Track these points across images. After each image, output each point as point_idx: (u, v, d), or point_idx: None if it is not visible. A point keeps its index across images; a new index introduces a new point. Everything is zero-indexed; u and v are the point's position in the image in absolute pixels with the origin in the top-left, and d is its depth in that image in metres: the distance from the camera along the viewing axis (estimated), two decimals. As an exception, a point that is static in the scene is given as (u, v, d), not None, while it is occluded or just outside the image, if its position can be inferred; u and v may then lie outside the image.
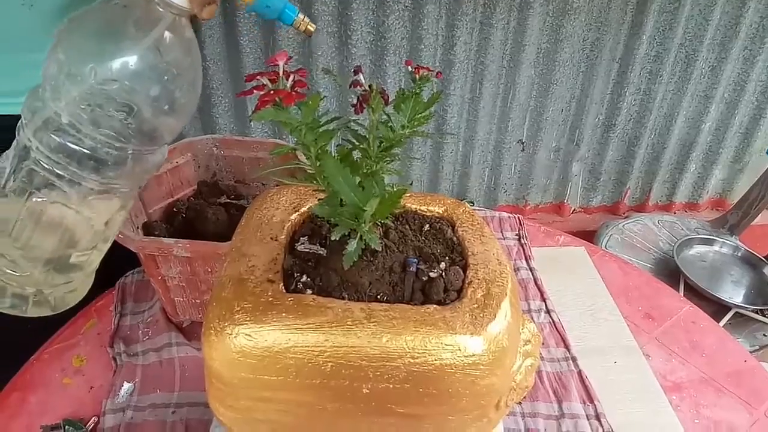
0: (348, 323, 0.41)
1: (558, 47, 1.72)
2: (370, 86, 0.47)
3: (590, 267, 1.02)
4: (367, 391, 0.42)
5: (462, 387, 0.42)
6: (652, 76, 1.84)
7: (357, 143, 0.47)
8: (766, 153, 2.05)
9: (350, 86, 0.47)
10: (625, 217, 1.99)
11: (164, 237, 0.77)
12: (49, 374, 0.77)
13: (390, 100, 0.48)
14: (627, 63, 1.79)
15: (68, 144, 0.44)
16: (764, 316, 1.52)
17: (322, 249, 0.49)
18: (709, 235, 1.76)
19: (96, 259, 0.53)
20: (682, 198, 2.19)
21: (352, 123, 0.48)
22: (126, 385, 0.74)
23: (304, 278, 0.46)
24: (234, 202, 0.90)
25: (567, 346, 0.83)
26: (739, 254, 1.68)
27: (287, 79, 0.41)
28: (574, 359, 0.81)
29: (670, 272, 1.60)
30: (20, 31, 0.71)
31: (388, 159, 0.48)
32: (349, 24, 1.54)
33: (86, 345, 0.81)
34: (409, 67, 0.49)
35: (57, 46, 0.43)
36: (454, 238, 0.53)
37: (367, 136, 0.47)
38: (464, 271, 0.48)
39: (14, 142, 0.46)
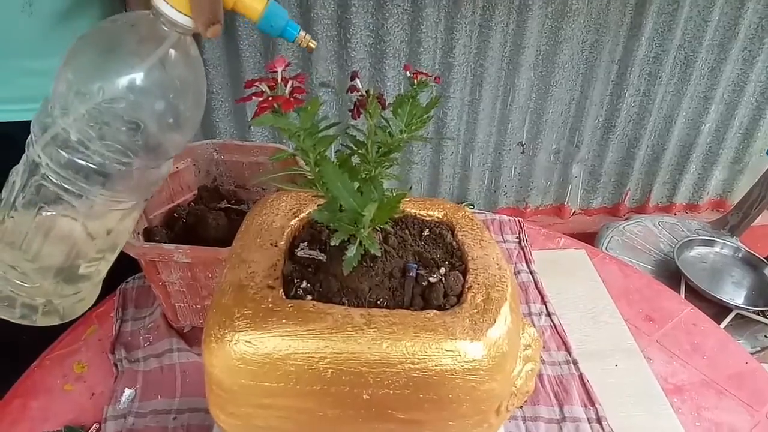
0: (348, 329, 0.41)
1: (557, 49, 1.73)
2: (367, 91, 0.47)
3: (591, 269, 1.01)
4: (368, 397, 0.42)
5: (462, 392, 0.42)
6: (651, 78, 1.84)
7: (355, 148, 0.47)
8: (766, 153, 2.05)
9: (347, 92, 0.47)
10: (625, 219, 1.99)
11: (165, 243, 0.77)
12: (51, 381, 0.77)
13: (390, 103, 0.48)
14: (626, 65, 1.79)
15: (77, 160, 0.45)
16: (765, 317, 1.52)
17: (322, 254, 0.49)
18: (710, 236, 1.75)
19: (104, 268, 0.54)
20: (682, 199, 2.19)
21: (351, 128, 0.48)
22: (127, 392, 0.74)
23: (304, 284, 0.47)
24: (234, 207, 0.90)
25: (568, 349, 0.83)
26: (740, 255, 1.68)
27: (285, 86, 0.41)
28: (575, 362, 0.81)
29: (670, 274, 1.60)
30: (18, 37, 0.71)
31: (386, 164, 0.48)
32: (348, 28, 1.55)
33: (87, 351, 0.81)
34: (408, 72, 0.49)
35: (66, 65, 0.45)
36: (454, 243, 0.53)
37: (366, 141, 0.47)
38: (464, 276, 0.48)
39: (24, 157, 0.47)
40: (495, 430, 0.48)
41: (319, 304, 0.43)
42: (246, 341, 0.41)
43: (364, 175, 0.47)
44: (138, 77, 0.43)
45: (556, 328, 0.87)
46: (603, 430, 0.71)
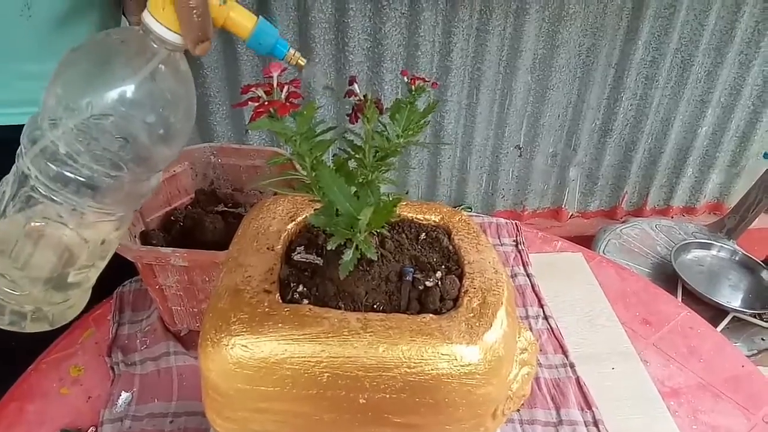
0: (344, 333, 0.41)
1: (554, 53, 1.73)
2: (364, 96, 0.47)
3: (588, 273, 1.02)
4: (364, 401, 0.42)
5: (458, 396, 0.42)
6: (648, 81, 1.85)
7: (352, 153, 0.48)
8: (763, 156, 2.06)
9: (345, 96, 0.48)
10: (622, 222, 1.99)
11: (162, 246, 0.77)
12: (47, 384, 0.76)
13: (388, 108, 0.48)
14: (623, 68, 1.80)
15: (65, 173, 0.45)
16: (762, 320, 1.52)
17: (319, 258, 0.49)
18: (707, 239, 1.76)
19: (93, 275, 0.54)
20: (679, 202, 2.20)
21: (348, 132, 0.48)
22: (124, 395, 0.74)
23: (301, 288, 0.47)
24: (231, 210, 0.90)
25: (565, 353, 0.83)
26: (737, 258, 1.69)
27: (281, 90, 0.41)
28: (572, 365, 0.81)
29: (667, 277, 1.60)
30: (16, 41, 0.71)
31: (383, 168, 0.48)
32: (346, 31, 1.55)
33: (84, 354, 0.81)
34: (405, 78, 0.49)
35: (55, 79, 0.45)
36: (450, 247, 0.53)
37: (363, 145, 0.47)
38: (460, 280, 0.48)
39: (14, 168, 0.48)
40: (491, 433, 0.48)
41: (316, 308, 0.43)
42: (242, 345, 0.41)
43: (360, 180, 0.47)
44: (127, 93, 0.44)
45: (552, 331, 0.87)
46: (600, 433, 0.72)
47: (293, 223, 0.53)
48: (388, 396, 0.42)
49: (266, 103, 0.40)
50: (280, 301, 0.44)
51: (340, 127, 0.43)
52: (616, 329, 0.89)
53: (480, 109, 1.79)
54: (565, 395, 0.76)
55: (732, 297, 1.57)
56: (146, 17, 0.44)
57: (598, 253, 1.15)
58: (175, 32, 0.44)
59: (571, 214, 2.16)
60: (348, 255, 0.44)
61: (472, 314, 0.44)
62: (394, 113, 0.47)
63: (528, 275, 0.99)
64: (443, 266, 0.50)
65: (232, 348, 0.41)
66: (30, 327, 0.52)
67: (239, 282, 0.45)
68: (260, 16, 0.47)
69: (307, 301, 0.45)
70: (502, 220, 1.13)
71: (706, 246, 1.72)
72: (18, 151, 0.47)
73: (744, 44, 1.85)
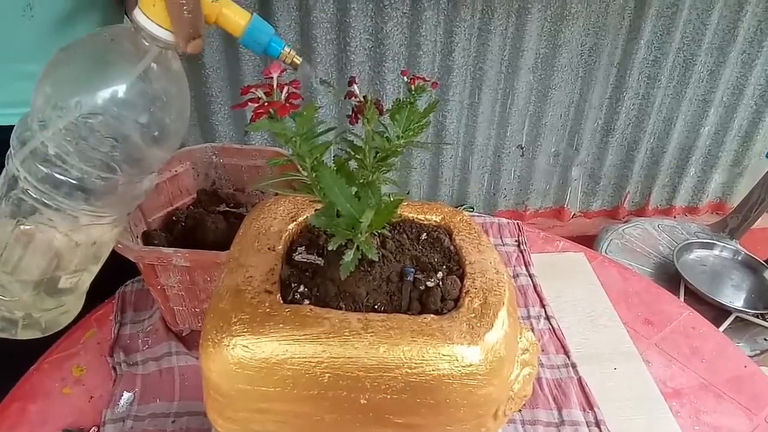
0: (345, 334, 0.41)
1: (556, 52, 1.73)
2: (364, 97, 0.47)
3: (590, 273, 1.02)
4: (365, 401, 0.42)
5: (459, 397, 0.42)
6: (650, 81, 1.84)
7: (353, 153, 0.48)
8: (765, 156, 2.06)
9: (345, 97, 0.48)
10: (625, 222, 1.99)
11: (163, 246, 0.77)
12: (49, 384, 0.77)
13: (388, 109, 0.48)
14: (625, 68, 1.80)
15: (55, 175, 0.44)
16: (765, 320, 1.52)
17: (320, 259, 0.49)
18: (709, 239, 1.75)
19: (87, 279, 0.54)
20: (681, 202, 2.19)
21: (348, 133, 0.48)
22: (126, 395, 0.74)
23: (302, 288, 0.47)
24: (233, 210, 0.90)
25: (567, 353, 0.83)
26: (740, 258, 1.68)
27: (281, 91, 0.41)
28: (573, 366, 0.81)
29: (670, 277, 1.60)
30: (17, 41, 0.71)
31: (384, 169, 0.48)
32: (347, 31, 1.55)
33: (86, 354, 0.81)
34: (405, 78, 0.49)
35: (44, 78, 0.44)
36: (452, 247, 0.53)
37: (363, 146, 0.47)
38: (461, 281, 0.48)
39: (4, 170, 0.47)
40: (492, 434, 0.48)
41: (317, 309, 0.43)
42: (243, 346, 0.41)
43: (361, 180, 0.47)
44: (117, 92, 0.43)
45: (554, 331, 0.87)
46: (601, 433, 0.71)
47: (294, 223, 0.53)
48: (389, 396, 0.42)
49: (266, 104, 0.40)
50: (281, 301, 0.44)
51: (340, 127, 0.42)
52: (618, 329, 0.89)
53: (482, 109, 1.79)
54: (567, 396, 0.76)
55: (735, 297, 1.57)
56: (137, 14, 0.43)
57: (601, 253, 1.15)
58: (166, 29, 0.43)
59: (574, 214, 2.16)
60: (349, 255, 0.44)
61: (473, 315, 0.44)
62: (395, 113, 0.47)
63: (530, 275, 0.99)
64: (444, 266, 0.50)
65: (233, 348, 0.41)
66: (22, 334, 0.51)
67: (240, 282, 0.45)
68: (254, 14, 0.46)
69: (308, 302, 0.45)
70: (504, 220, 1.13)
71: (709, 246, 1.72)
72: (7, 153, 0.46)
73: (746, 43, 1.84)
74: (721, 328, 1.46)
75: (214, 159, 0.91)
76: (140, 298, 0.90)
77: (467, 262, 0.50)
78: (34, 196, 0.45)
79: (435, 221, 0.56)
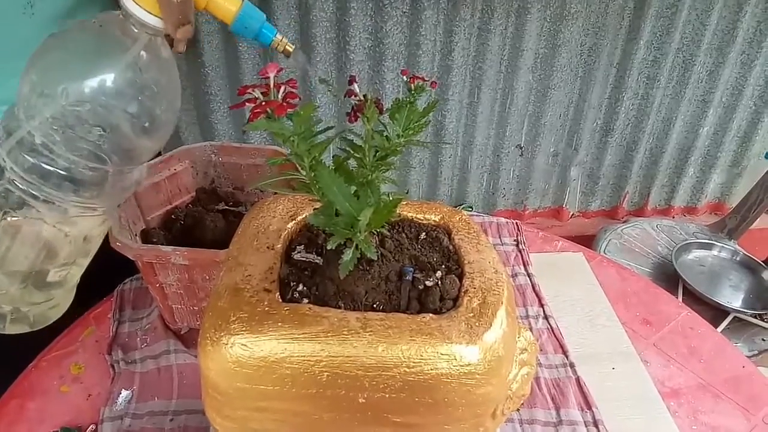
0: (344, 333, 0.41)
1: (556, 52, 1.73)
2: (364, 96, 0.47)
3: (588, 273, 1.02)
4: (363, 400, 0.42)
5: (458, 396, 0.42)
6: (650, 81, 1.84)
7: (352, 152, 0.48)
8: (764, 157, 2.06)
9: (344, 96, 0.48)
10: (623, 222, 1.99)
11: (162, 244, 0.77)
12: (48, 382, 0.77)
13: (388, 108, 0.48)
14: (625, 68, 1.80)
15: (42, 165, 0.44)
16: (763, 320, 1.52)
17: (319, 258, 0.49)
18: (708, 239, 1.76)
19: (76, 273, 0.53)
20: (680, 202, 2.19)
21: (348, 132, 0.48)
22: (124, 393, 0.74)
23: (301, 287, 0.47)
24: (232, 209, 0.90)
25: (565, 353, 0.83)
26: (738, 258, 1.68)
27: (278, 91, 0.41)
28: (572, 365, 0.81)
29: (668, 277, 1.60)
30: (18, 38, 0.71)
31: (383, 168, 0.48)
32: (347, 30, 1.55)
33: (84, 352, 0.81)
34: (404, 77, 0.49)
35: (30, 66, 0.43)
36: (451, 247, 0.53)
37: (363, 145, 0.47)
38: (460, 280, 0.48)
39: None
40: (490, 433, 0.48)
41: (315, 308, 0.43)
42: (242, 344, 0.41)
43: (361, 179, 0.47)
44: (105, 80, 0.42)
45: (553, 331, 0.87)
46: (599, 433, 0.72)
47: (293, 222, 0.53)
48: (387, 395, 0.42)
49: (263, 103, 0.40)
50: (280, 300, 0.44)
51: (339, 126, 0.42)
52: (617, 329, 0.89)
53: (481, 109, 1.79)
54: (565, 395, 0.76)
55: (733, 297, 1.57)
56: (126, 1, 0.42)
57: (599, 253, 1.15)
58: (155, 15, 0.43)
59: (572, 214, 2.16)
60: (348, 254, 0.44)
61: (471, 314, 0.44)
62: (394, 113, 0.47)
63: (528, 275, 0.99)
64: (443, 266, 0.50)
65: (231, 347, 0.41)
66: (10, 328, 0.50)
67: (239, 281, 0.45)
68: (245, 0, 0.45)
69: (306, 301, 0.45)
70: (503, 220, 1.13)
71: (707, 246, 1.72)
72: None
73: (746, 44, 1.84)
74: (720, 329, 1.46)
75: (213, 157, 0.91)
76: (139, 296, 0.90)
77: (466, 262, 0.50)
78: (21, 186, 0.44)
79: (434, 220, 0.56)
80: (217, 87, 1.61)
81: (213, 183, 0.93)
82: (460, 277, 0.49)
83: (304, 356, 0.41)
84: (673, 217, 2.18)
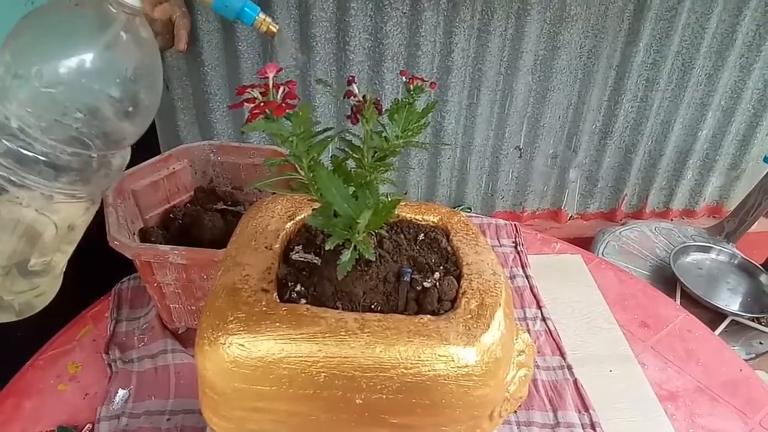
0: (341, 333, 0.41)
1: (555, 54, 1.73)
2: (363, 97, 0.47)
3: (586, 275, 1.02)
4: (360, 401, 0.42)
5: (455, 398, 0.42)
6: (649, 84, 1.84)
7: (351, 153, 0.48)
8: (763, 160, 2.06)
9: (344, 97, 0.47)
10: (622, 224, 1.99)
11: (160, 243, 0.77)
12: (45, 380, 0.76)
13: (387, 109, 0.48)
14: (624, 70, 1.80)
15: (19, 149, 0.42)
16: (761, 323, 1.52)
17: (317, 258, 0.49)
18: (706, 242, 1.76)
19: (61, 261, 0.51)
20: (679, 205, 2.19)
21: (347, 132, 0.48)
22: (121, 392, 0.74)
23: (299, 287, 0.47)
24: (231, 208, 0.90)
25: (562, 355, 0.83)
26: (736, 262, 1.69)
27: (277, 91, 0.41)
28: (569, 367, 0.81)
29: (666, 279, 1.60)
30: None
31: (382, 168, 0.48)
32: (347, 30, 1.55)
33: (81, 351, 0.81)
34: (404, 78, 0.49)
35: (5, 47, 0.42)
36: (449, 248, 0.53)
37: (362, 146, 0.47)
38: (458, 281, 0.48)
39: None
40: (488, 435, 0.48)
41: (313, 308, 0.43)
42: (239, 344, 0.41)
43: (359, 180, 0.47)
44: (81, 60, 0.40)
45: (551, 333, 0.87)
46: (596, 435, 0.72)
47: (292, 222, 0.53)
48: (384, 396, 0.42)
49: (262, 104, 0.40)
50: (278, 300, 0.44)
51: (338, 127, 0.42)
52: (614, 332, 0.89)
53: (480, 110, 1.79)
54: (563, 397, 0.76)
55: (730, 300, 1.57)
56: None
57: (597, 255, 1.15)
58: None
59: (571, 216, 2.16)
60: (346, 255, 0.44)
61: (469, 316, 0.44)
62: (393, 113, 0.47)
63: (527, 276, 0.99)
64: (441, 267, 0.50)
65: (228, 347, 0.41)
66: None
67: (237, 281, 0.45)
68: None
69: (304, 301, 0.45)
70: (502, 221, 1.13)
71: (705, 249, 1.72)
72: None
73: (745, 48, 1.84)
74: (717, 332, 1.47)
75: (212, 157, 0.91)
76: (136, 295, 0.90)
77: (464, 263, 0.50)
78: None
79: (433, 222, 0.56)
80: (217, 86, 1.60)
81: (212, 182, 0.93)
82: (458, 278, 0.49)
83: (301, 357, 0.41)
84: (672, 220, 2.19)
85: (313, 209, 0.47)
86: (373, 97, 0.47)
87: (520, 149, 1.94)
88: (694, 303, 1.50)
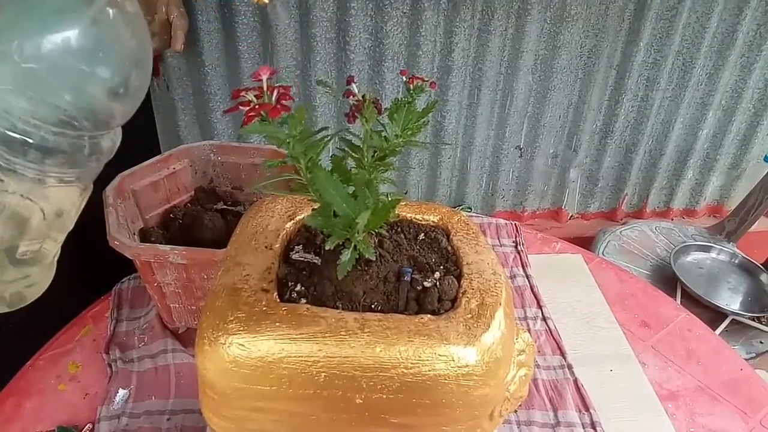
0: (342, 333, 0.41)
1: (556, 54, 1.73)
2: (363, 96, 0.47)
3: (587, 274, 1.02)
4: (361, 401, 0.42)
5: (455, 397, 0.42)
6: (649, 83, 1.84)
7: (351, 152, 0.47)
8: (764, 160, 2.06)
9: (343, 96, 0.47)
10: (622, 224, 1.99)
11: (160, 243, 0.77)
12: (45, 380, 0.76)
13: (387, 108, 0.48)
14: (624, 70, 1.80)
15: (4, 131, 0.40)
16: (761, 323, 1.52)
17: (317, 258, 0.49)
18: (707, 242, 1.76)
19: (51, 249, 0.49)
20: (679, 205, 2.19)
21: (347, 132, 0.48)
22: (121, 392, 0.74)
23: (299, 287, 0.46)
24: (231, 208, 0.90)
25: (563, 354, 0.83)
26: (736, 261, 1.68)
27: (272, 93, 0.40)
28: (569, 367, 0.81)
29: (667, 279, 1.60)
30: None
31: (382, 168, 0.48)
32: (347, 30, 1.55)
33: (82, 351, 0.81)
34: (404, 77, 0.49)
35: None
36: (449, 248, 0.53)
37: (362, 145, 0.47)
38: (459, 281, 0.48)
39: None
40: (488, 435, 0.48)
41: (313, 308, 0.43)
42: (239, 344, 0.41)
43: (359, 180, 0.47)
44: (65, 36, 0.39)
45: (551, 332, 0.87)
46: (597, 435, 0.72)
47: (292, 222, 0.53)
48: (385, 396, 0.42)
49: (257, 106, 0.39)
50: (278, 300, 0.44)
51: (338, 127, 0.42)
52: (615, 331, 0.89)
53: (481, 110, 1.79)
54: (563, 397, 0.76)
55: (731, 300, 1.57)
56: None
57: (598, 255, 1.15)
58: None
59: (571, 216, 2.16)
60: (346, 255, 0.44)
61: (470, 315, 0.44)
62: (393, 113, 0.47)
63: (527, 276, 0.99)
64: (442, 267, 0.50)
65: (229, 347, 0.41)
66: None
67: (237, 281, 0.45)
68: None
69: (304, 301, 0.45)
70: (502, 221, 1.13)
71: (706, 248, 1.72)
72: None
73: (745, 47, 1.84)
74: (718, 331, 1.46)
75: (212, 157, 0.91)
76: (136, 295, 0.90)
77: (465, 263, 0.50)
78: None
79: (433, 221, 0.56)
80: (217, 86, 1.60)
81: (212, 182, 0.93)
82: (459, 278, 0.49)
83: (301, 356, 0.41)
84: (672, 220, 2.18)
85: (313, 209, 0.47)
86: (372, 96, 0.47)
87: (520, 149, 1.94)
88: (694, 302, 1.50)
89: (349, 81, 0.48)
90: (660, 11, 1.70)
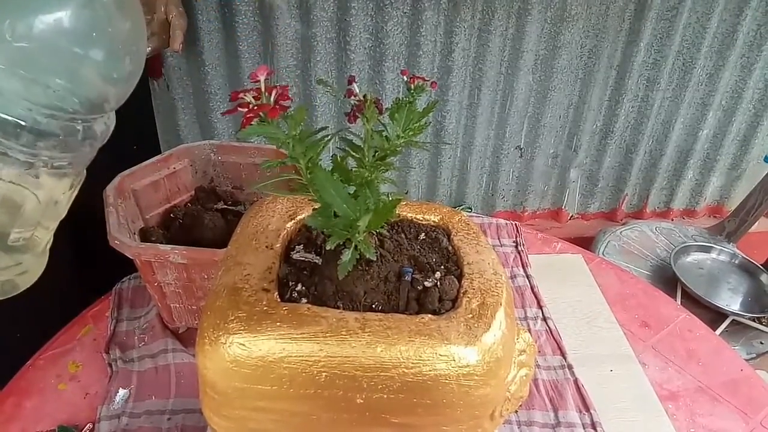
0: (342, 333, 0.41)
1: (556, 54, 1.73)
2: (364, 96, 0.47)
3: (587, 274, 1.02)
4: (361, 401, 0.42)
5: (456, 397, 0.42)
6: (649, 84, 1.84)
7: (352, 152, 0.47)
8: (764, 160, 2.06)
9: (344, 96, 0.47)
10: (622, 224, 1.99)
11: (161, 243, 0.77)
12: (45, 380, 0.76)
13: (387, 108, 0.48)
14: (625, 70, 1.80)
15: None
16: (761, 323, 1.52)
17: (318, 258, 0.49)
18: (707, 242, 1.76)
19: (44, 237, 0.49)
20: (679, 205, 2.19)
21: (348, 132, 0.48)
22: (121, 392, 0.74)
23: (299, 287, 0.46)
24: (231, 208, 0.90)
25: (563, 354, 0.83)
26: (737, 262, 1.68)
27: (270, 94, 0.40)
28: (570, 367, 0.81)
29: (667, 279, 1.60)
30: None
31: (383, 168, 0.48)
32: (347, 30, 1.55)
33: (82, 351, 0.81)
34: (404, 77, 0.49)
35: None
36: (450, 247, 0.53)
37: (362, 145, 0.47)
38: (459, 281, 0.48)
39: None
40: (489, 435, 0.48)
41: (314, 308, 0.43)
42: (240, 344, 0.41)
43: (360, 180, 0.47)
44: (57, 17, 0.38)
45: (551, 332, 0.87)
46: (597, 435, 0.72)
47: (292, 221, 0.53)
48: (385, 396, 0.42)
49: (255, 107, 0.39)
50: (279, 300, 0.44)
51: (339, 126, 0.42)
52: (615, 331, 0.89)
53: (481, 110, 1.79)
54: (563, 397, 0.76)
55: (731, 300, 1.57)
56: None
57: (598, 255, 1.15)
58: None
59: (571, 216, 2.16)
60: (347, 255, 0.44)
61: (470, 315, 0.44)
62: (394, 113, 0.47)
63: (527, 276, 0.99)
64: (442, 267, 0.50)
65: (229, 346, 0.41)
66: None
67: (238, 280, 0.45)
68: None
69: (305, 300, 0.45)
70: (502, 221, 1.13)
71: (706, 249, 1.72)
72: None
73: (746, 47, 1.84)
74: (718, 332, 1.46)
75: (213, 156, 0.91)
76: (137, 294, 0.90)
77: (465, 263, 0.50)
78: None
79: (433, 221, 0.56)
80: (217, 86, 1.60)
81: (212, 182, 0.93)
82: (459, 278, 0.49)
83: (302, 356, 0.41)
84: (672, 220, 2.19)
85: (313, 209, 0.47)
86: (373, 96, 0.47)
87: (520, 149, 1.94)
88: (694, 303, 1.50)
89: (351, 81, 0.47)
90: (660, 11, 1.70)
